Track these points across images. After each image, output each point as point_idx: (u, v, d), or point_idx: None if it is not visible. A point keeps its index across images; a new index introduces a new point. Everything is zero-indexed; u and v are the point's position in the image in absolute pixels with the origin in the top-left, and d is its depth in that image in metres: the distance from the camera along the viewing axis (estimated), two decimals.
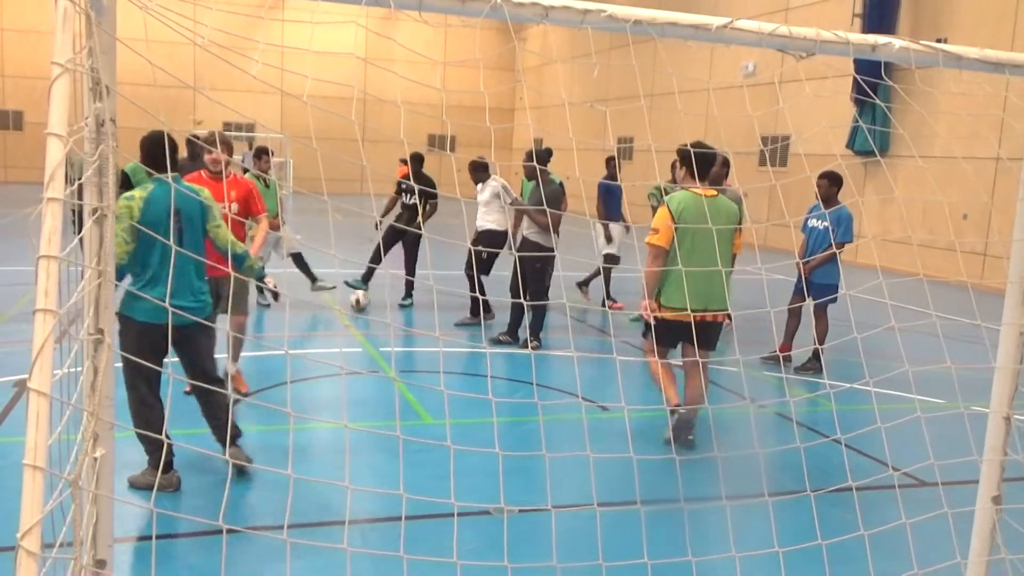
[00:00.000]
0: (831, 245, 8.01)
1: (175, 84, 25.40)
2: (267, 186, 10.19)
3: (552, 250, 8.60)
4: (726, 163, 9.01)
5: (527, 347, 8.67)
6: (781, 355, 8.10)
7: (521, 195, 10.33)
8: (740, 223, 8.10)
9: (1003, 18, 15.39)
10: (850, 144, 17.87)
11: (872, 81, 13.43)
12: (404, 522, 4.02)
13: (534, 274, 8.65)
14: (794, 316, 8.35)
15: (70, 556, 2.17)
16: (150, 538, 4.16)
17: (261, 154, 10.34)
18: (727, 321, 7.32)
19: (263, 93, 29.86)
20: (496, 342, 8.99)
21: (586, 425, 5.25)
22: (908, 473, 5.45)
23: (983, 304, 3.93)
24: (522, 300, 8.44)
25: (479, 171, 9.89)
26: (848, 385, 7.79)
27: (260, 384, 7.06)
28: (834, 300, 8.11)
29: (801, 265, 8.18)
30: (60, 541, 2.03)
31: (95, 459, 2.73)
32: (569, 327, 9.38)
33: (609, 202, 10.91)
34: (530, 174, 9.45)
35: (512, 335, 8.99)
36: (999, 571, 3.68)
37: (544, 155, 9.17)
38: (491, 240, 9.55)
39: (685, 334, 5.55)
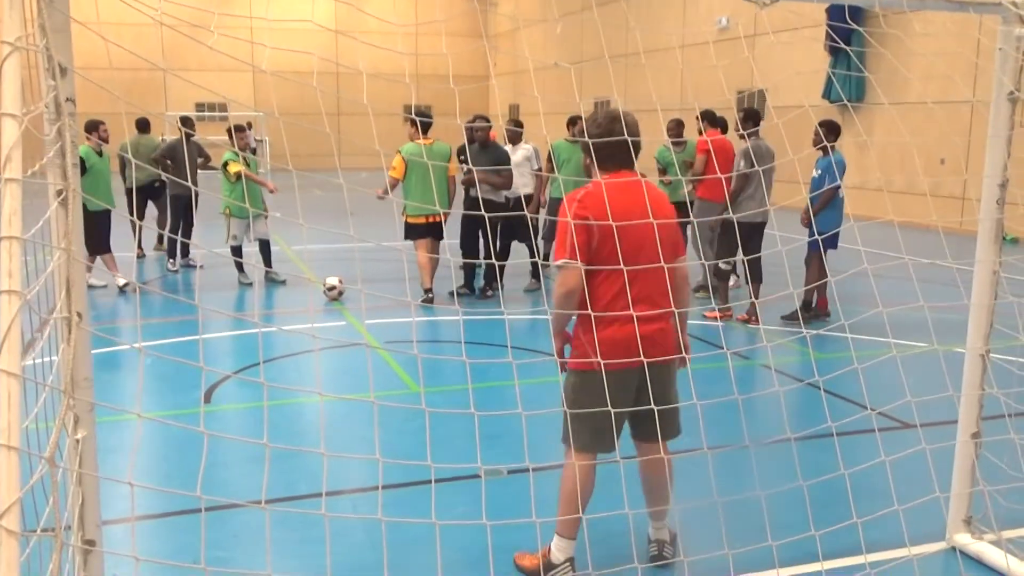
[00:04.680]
0: (818, 193, 8.06)
1: (145, 67, 25.03)
2: (247, 165, 10.12)
3: (505, 207, 9.28)
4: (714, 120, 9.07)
5: (484, 295, 9.59)
6: (819, 311, 8.34)
7: (550, 159, 10.15)
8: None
9: None
10: (825, 94, 17.85)
11: (845, 28, 13.38)
12: (381, 488, 4.06)
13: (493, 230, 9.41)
14: (816, 269, 8.32)
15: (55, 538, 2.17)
16: (141, 518, 4.18)
17: (238, 131, 10.25)
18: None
19: (235, 71, 29.51)
20: (451, 295, 9.56)
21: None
22: (887, 414, 5.52)
23: (965, 247, 3.95)
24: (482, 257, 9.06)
25: (514, 134, 10.00)
26: (822, 332, 7.87)
27: (245, 361, 7.06)
28: (834, 247, 8.18)
29: (805, 216, 8.20)
30: (42, 529, 2.04)
31: (77, 441, 2.74)
32: (544, 290, 9.38)
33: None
34: (480, 140, 9.48)
35: (469, 287, 9.79)
36: (978, 503, 3.75)
37: (424, 122, 9.30)
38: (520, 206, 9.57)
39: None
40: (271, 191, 10.24)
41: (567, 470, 3.64)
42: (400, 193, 9.40)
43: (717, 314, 8.47)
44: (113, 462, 4.63)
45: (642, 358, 3.20)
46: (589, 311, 3.42)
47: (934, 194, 15.71)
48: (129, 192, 11.80)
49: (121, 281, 9.77)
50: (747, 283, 8.87)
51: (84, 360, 2.73)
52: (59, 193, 2.60)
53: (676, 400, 3.64)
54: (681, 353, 3.63)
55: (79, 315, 2.66)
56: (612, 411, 3.09)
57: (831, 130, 8.27)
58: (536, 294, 9.72)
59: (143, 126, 12.41)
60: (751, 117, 8.63)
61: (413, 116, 9.25)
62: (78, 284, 2.67)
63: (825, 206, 8.13)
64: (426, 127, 9.33)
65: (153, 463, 4.99)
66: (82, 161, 8.68)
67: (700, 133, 9.40)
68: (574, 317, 3.55)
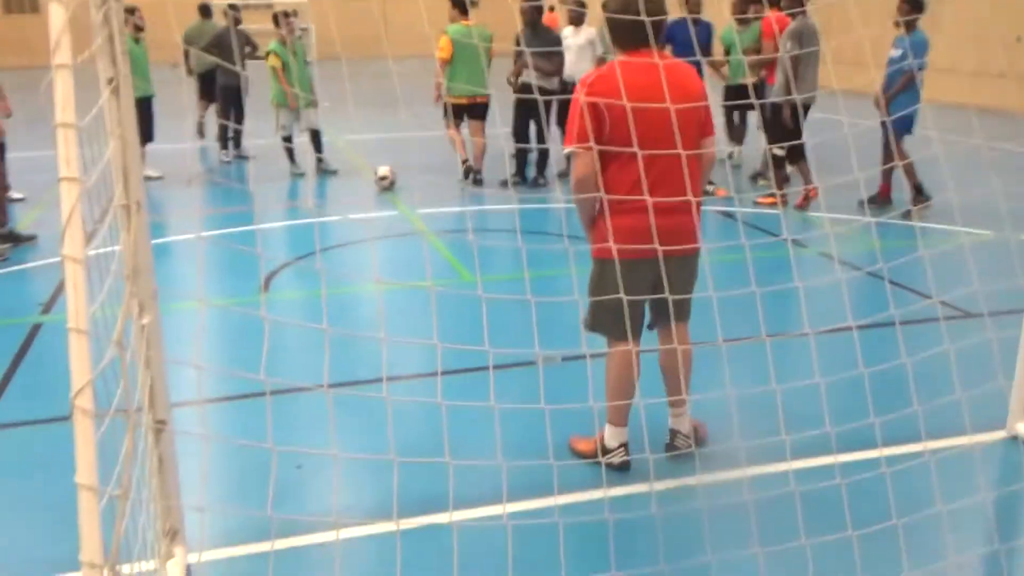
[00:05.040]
0: (902, 74, 7.67)
1: None
2: (294, 54, 9.98)
3: (555, 93, 8.99)
4: None
5: (535, 184, 9.39)
6: (882, 197, 8.10)
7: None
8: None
9: None
10: None
11: None
12: (440, 373, 4.11)
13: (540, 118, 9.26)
14: (887, 155, 8.03)
15: (127, 418, 2.24)
16: (208, 401, 4.33)
17: (284, 17, 10.07)
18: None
19: None
20: (504, 184, 9.33)
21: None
22: (951, 304, 5.40)
23: None
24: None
25: (576, 15, 9.58)
26: (884, 219, 7.66)
27: (300, 250, 7.14)
28: (909, 131, 7.87)
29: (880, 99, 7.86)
30: (114, 409, 2.10)
31: (142, 326, 2.80)
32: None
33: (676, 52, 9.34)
34: (527, 20, 9.12)
35: (520, 175, 9.58)
36: None
37: (461, 1, 9.20)
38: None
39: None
40: (291, 107, 10.05)
41: (608, 359, 3.66)
42: (445, 75, 9.27)
43: (773, 199, 8.28)
44: (180, 348, 4.77)
45: (658, 248, 3.07)
46: (605, 197, 3.33)
47: (1010, 74, 14.93)
48: (200, 77, 11.70)
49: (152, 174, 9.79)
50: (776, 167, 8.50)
51: (144, 247, 2.77)
52: (110, 81, 2.58)
53: (692, 290, 3.59)
54: (698, 243, 3.50)
55: (137, 203, 2.68)
56: (625, 299, 3.04)
57: (915, 6, 7.76)
58: None
59: (205, 11, 12.18)
60: None
61: None
62: (134, 172, 2.67)
63: (905, 88, 7.75)
64: (465, 8, 9.18)
65: (218, 349, 5.13)
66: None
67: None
68: None
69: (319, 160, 10.34)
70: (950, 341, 3.10)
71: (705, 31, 9.08)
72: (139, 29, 9.55)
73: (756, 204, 8.47)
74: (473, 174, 9.43)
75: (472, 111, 9.30)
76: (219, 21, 11.47)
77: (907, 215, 7.70)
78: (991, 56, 14.83)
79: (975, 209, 6.51)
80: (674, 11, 8.65)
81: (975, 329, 3.66)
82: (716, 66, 9.70)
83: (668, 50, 8.32)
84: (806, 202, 8.25)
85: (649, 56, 3.36)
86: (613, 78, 3.29)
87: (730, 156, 10.39)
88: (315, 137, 10.21)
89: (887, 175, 8.17)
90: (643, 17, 3.15)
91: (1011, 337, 3.79)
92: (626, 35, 3.37)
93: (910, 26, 7.78)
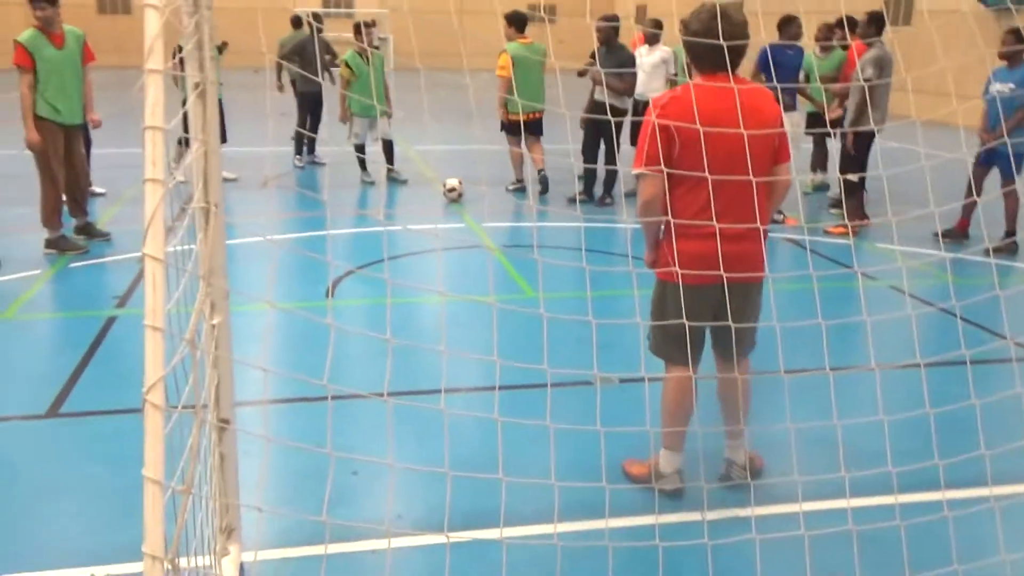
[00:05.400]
0: (1019, 108, 7.41)
1: None
2: (370, 64, 10.17)
3: (626, 112, 9.12)
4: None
5: (602, 203, 9.43)
6: (959, 232, 7.88)
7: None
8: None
9: None
10: None
11: None
12: (498, 388, 4.13)
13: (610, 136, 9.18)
14: (975, 190, 7.79)
15: (194, 414, 2.31)
16: (271, 403, 4.42)
17: (361, 28, 10.29)
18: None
19: None
20: (572, 201, 9.52)
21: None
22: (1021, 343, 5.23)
23: None
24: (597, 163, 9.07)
25: (651, 35, 9.62)
26: (951, 255, 7.45)
27: (366, 258, 7.25)
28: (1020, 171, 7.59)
29: (985, 134, 7.65)
30: (183, 403, 2.17)
31: (213, 326, 2.88)
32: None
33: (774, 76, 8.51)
34: (603, 39, 9.18)
35: (588, 193, 9.74)
36: None
37: (519, 20, 9.43)
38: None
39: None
40: (340, 119, 10.25)
41: (665, 383, 3.64)
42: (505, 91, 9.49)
43: (844, 229, 8.12)
44: (246, 349, 4.88)
45: (722, 274, 3.04)
46: (671, 221, 3.31)
47: None
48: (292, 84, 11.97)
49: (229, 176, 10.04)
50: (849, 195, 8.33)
51: (220, 249, 2.85)
52: (197, 86, 2.67)
53: (756, 319, 3.51)
54: (764, 271, 3.45)
55: (215, 205, 2.77)
56: (687, 324, 3.02)
57: (1020, 38, 7.48)
58: None
59: (296, 23, 12.57)
60: (875, 21, 8.06)
61: (512, 13, 9.45)
62: (214, 175, 2.76)
63: (1020, 124, 7.45)
64: (523, 25, 9.38)
65: (282, 352, 5.24)
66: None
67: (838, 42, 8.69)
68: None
69: (389, 170, 10.51)
70: (1023, 383, 3.01)
71: (799, 57, 8.96)
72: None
73: (826, 233, 8.32)
74: (540, 180, 9.76)
75: (530, 127, 9.56)
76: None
77: (987, 252, 7.50)
78: None
79: None
80: (773, 36, 8.65)
81: None
82: (805, 93, 9.58)
83: (762, 76, 8.29)
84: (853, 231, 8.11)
85: (726, 80, 3.33)
86: (686, 100, 3.28)
87: (812, 182, 10.27)
88: (387, 147, 10.38)
89: (968, 209, 7.94)
90: (723, 41, 3.15)
91: None
92: (705, 58, 3.35)
93: (1015, 58, 7.54)
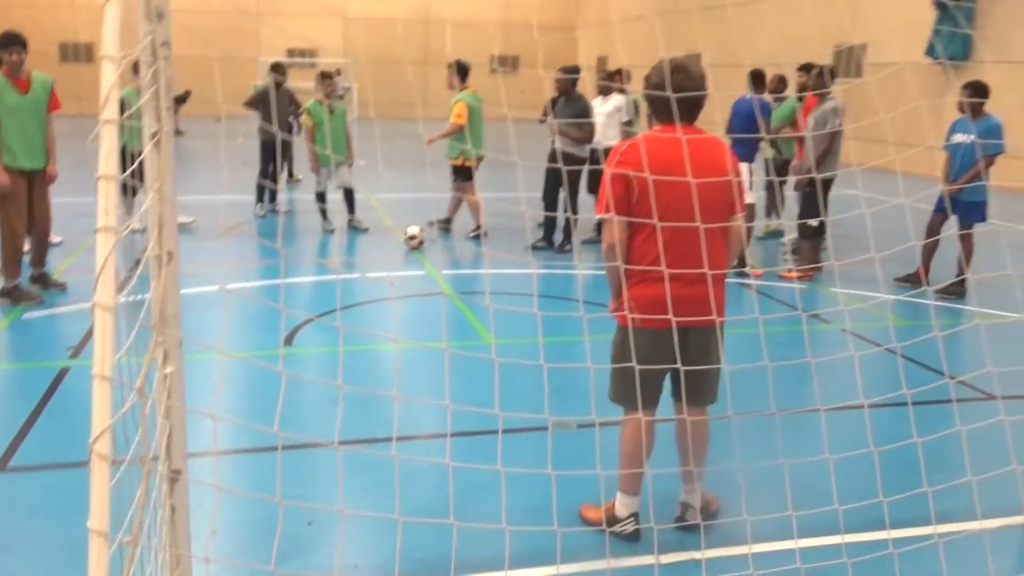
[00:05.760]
0: (981, 158, 7.61)
1: (237, 11, 25.49)
2: (331, 112, 10.27)
3: (584, 160, 9.24)
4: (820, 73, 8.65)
5: (561, 250, 9.54)
6: (919, 277, 8.00)
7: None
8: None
9: None
10: (929, 51, 17.07)
11: None
12: (450, 435, 4.14)
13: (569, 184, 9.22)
14: (933, 236, 7.99)
15: (142, 465, 2.30)
16: (224, 452, 4.38)
17: (324, 78, 10.40)
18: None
19: (324, 18, 29.78)
20: (534, 248, 9.68)
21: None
22: (969, 384, 5.35)
23: None
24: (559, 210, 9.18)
25: (604, 86, 9.99)
26: (902, 297, 7.63)
27: (326, 306, 7.24)
28: (983, 219, 7.76)
29: (949, 183, 7.84)
30: (131, 457, 2.16)
31: (165, 376, 2.87)
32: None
33: (737, 128, 8.89)
34: (562, 90, 9.40)
35: (547, 241, 9.80)
36: None
37: (464, 69, 9.78)
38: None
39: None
40: (312, 169, 10.35)
41: (623, 427, 3.67)
42: (450, 139, 9.85)
43: (798, 274, 8.30)
44: (199, 398, 4.84)
45: (672, 319, 3.12)
46: (628, 267, 3.39)
47: None
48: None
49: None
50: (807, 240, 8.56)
51: (173, 298, 2.85)
52: (153, 135, 2.70)
53: (715, 364, 3.54)
54: (723, 317, 3.51)
55: (169, 254, 2.78)
56: (641, 368, 3.07)
57: (978, 91, 7.74)
58: None
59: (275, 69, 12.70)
60: (828, 74, 8.40)
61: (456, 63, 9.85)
62: (169, 224, 2.78)
63: (980, 174, 7.67)
64: (467, 74, 9.68)
65: (236, 401, 5.20)
66: (122, 103, 8.85)
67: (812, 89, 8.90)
68: None
69: (350, 219, 10.56)
70: (968, 422, 3.09)
71: (765, 109, 9.24)
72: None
73: (780, 278, 8.49)
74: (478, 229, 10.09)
75: (470, 172, 9.98)
76: (262, 80, 11.83)
77: (936, 294, 7.69)
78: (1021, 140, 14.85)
79: (1002, 291, 6.49)
80: (742, 89, 8.93)
81: (993, 411, 3.64)
82: (774, 143, 9.83)
83: (726, 125, 8.59)
84: (808, 276, 8.32)
85: (684, 130, 3.43)
86: (643, 148, 3.38)
87: (765, 228, 10.50)
88: (348, 195, 10.43)
89: (927, 256, 8.12)
90: (681, 94, 3.28)
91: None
92: (664, 109, 3.45)
93: (977, 110, 7.80)
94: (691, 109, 3.43)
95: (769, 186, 10.19)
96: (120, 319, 1.94)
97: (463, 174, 9.99)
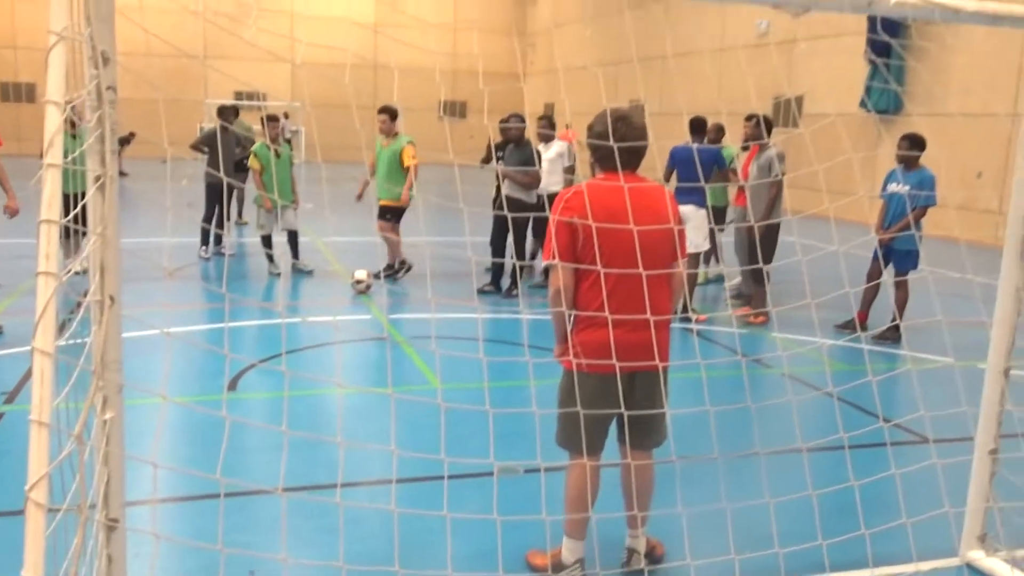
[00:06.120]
0: (914, 209, 7.83)
1: (183, 55, 25.37)
2: (278, 156, 10.27)
3: (534, 207, 9.32)
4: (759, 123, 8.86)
5: (509, 295, 9.55)
6: (859, 323, 8.17)
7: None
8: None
9: None
10: (863, 103, 17.71)
11: (883, 40, 13.33)
12: (395, 480, 4.12)
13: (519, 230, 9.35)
14: (872, 284, 8.16)
15: (79, 513, 2.25)
16: (163, 500, 4.29)
17: (270, 121, 10.42)
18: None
19: (274, 62, 29.78)
20: (481, 292, 9.70)
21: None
22: (905, 427, 5.50)
23: (999, 262, 3.89)
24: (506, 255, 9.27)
25: (546, 129, 10.14)
26: (840, 342, 7.82)
27: (272, 350, 7.16)
28: (916, 267, 8.00)
29: (886, 230, 8.07)
30: (68, 505, 2.11)
31: (104, 421, 2.82)
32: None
33: (681, 176, 8.94)
34: (509, 137, 9.62)
35: (495, 285, 9.78)
36: (990, 521, 3.74)
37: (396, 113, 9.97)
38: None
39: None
40: (267, 208, 10.28)
41: (568, 472, 3.68)
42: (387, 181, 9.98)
43: (761, 318, 8.47)
44: (139, 444, 4.74)
45: (615, 364, 3.18)
46: (576, 313, 3.45)
47: (970, 208, 15.51)
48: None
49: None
50: (759, 285, 8.79)
51: (115, 342, 2.81)
52: (97, 179, 2.68)
53: (661, 408, 3.58)
54: (668, 362, 3.57)
55: (111, 298, 2.75)
56: (587, 413, 3.12)
57: (915, 143, 8.00)
58: None
59: (235, 113, 12.76)
60: (765, 124, 8.68)
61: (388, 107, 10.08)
62: (112, 268, 2.75)
63: (914, 223, 7.89)
64: (396, 117, 10.05)
65: (178, 447, 5.09)
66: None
67: (753, 139, 9.10)
68: None
69: (294, 261, 10.51)
70: (904, 465, 3.18)
71: (712, 155, 9.40)
72: (74, 125, 9.56)
73: (744, 320, 8.63)
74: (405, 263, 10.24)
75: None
76: (208, 122, 11.82)
77: (872, 339, 7.90)
78: (952, 191, 15.44)
79: (937, 336, 6.68)
80: (682, 137, 9.13)
81: (928, 454, 3.75)
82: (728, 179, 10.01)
83: (674, 174, 8.76)
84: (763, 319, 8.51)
85: (627, 178, 3.51)
86: (589, 195, 3.45)
87: (705, 274, 10.70)
88: (292, 237, 10.40)
89: (866, 302, 8.33)
90: (624, 143, 3.38)
91: (960, 464, 3.88)
92: (607, 157, 3.53)
93: (912, 162, 8.07)
94: (633, 158, 3.52)
95: (711, 233, 10.39)
96: (60, 363, 1.92)
97: (399, 214, 10.06)
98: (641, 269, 3.29)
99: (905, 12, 3.60)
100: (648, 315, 3.35)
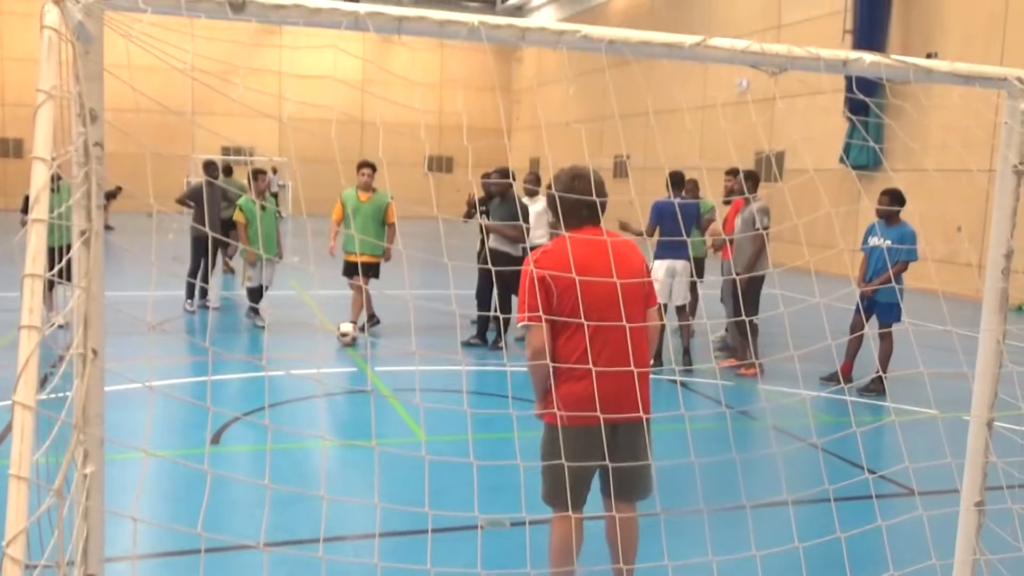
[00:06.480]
0: (896, 263, 7.94)
1: (171, 111, 25.58)
2: (263, 209, 10.32)
3: (520, 259, 9.14)
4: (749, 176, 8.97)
5: (495, 347, 9.57)
6: (843, 375, 8.19)
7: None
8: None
9: (991, 33, 15.54)
10: (842, 159, 18.00)
11: (861, 99, 13.61)
12: (378, 535, 4.08)
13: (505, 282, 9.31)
14: (856, 336, 8.24)
15: (58, 568, 2.22)
16: (144, 556, 4.21)
17: (257, 175, 10.52)
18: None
19: (261, 118, 30.05)
20: (467, 344, 9.70)
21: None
22: (892, 479, 5.49)
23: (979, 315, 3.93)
24: (491, 310, 9.26)
25: (532, 184, 10.23)
26: (824, 394, 7.84)
27: (257, 403, 7.11)
28: (899, 319, 8.04)
29: (864, 284, 8.14)
30: (47, 561, 2.08)
31: (85, 475, 2.79)
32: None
33: (666, 230, 8.81)
34: (495, 191, 9.72)
35: (481, 338, 9.82)
36: (977, 573, 3.72)
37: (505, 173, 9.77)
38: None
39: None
40: (251, 262, 10.32)
41: (552, 527, 3.65)
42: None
43: (753, 371, 8.49)
44: (121, 499, 4.67)
45: (599, 415, 3.18)
46: (556, 366, 3.45)
47: (950, 261, 15.70)
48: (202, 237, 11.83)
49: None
50: (745, 337, 8.82)
51: (97, 396, 2.80)
52: (82, 233, 2.70)
53: (645, 459, 3.58)
54: (649, 412, 3.58)
55: (94, 352, 2.74)
56: (572, 466, 3.12)
57: (895, 199, 8.12)
58: None
59: (227, 171, 12.97)
60: (751, 178, 8.79)
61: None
62: (95, 321, 2.74)
63: (896, 277, 8.01)
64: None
65: (160, 502, 5.03)
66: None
67: (739, 193, 9.18)
68: None
69: (255, 312, 10.48)
70: (890, 516, 3.17)
71: (693, 208, 9.51)
72: (55, 179, 9.67)
73: (738, 375, 8.64)
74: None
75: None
76: (195, 176, 11.94)
77: (857, 392, 7.92)
78: (932, 245, 15.65)
79: (922, 389, 6.72)
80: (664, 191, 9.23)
81: (915, 506, 3.74)
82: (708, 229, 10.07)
83: (658, 228, 8.79)
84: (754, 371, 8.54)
85: (592, 232, 3.57)
86: (557, 252, 3.51)
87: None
88: (260, 291, 10.36)
89: (850, 354, 8.38)
90: (586, 197, 3.45)
91: (946, 516, 3.87)
92: (569, 213, 3.60)
93: (893, 217, 8.18)
94: (594, 213, 3.58)
95: (692, 286, 10.46)
96: (41, 417, 1.91)
97: (376, 270, 10.06)
98: (623, 320, 3.32)
99: (880, 72, 3.70)
100: (630, 366, 3.36)
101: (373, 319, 10.39)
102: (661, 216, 8.78)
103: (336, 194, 10.09)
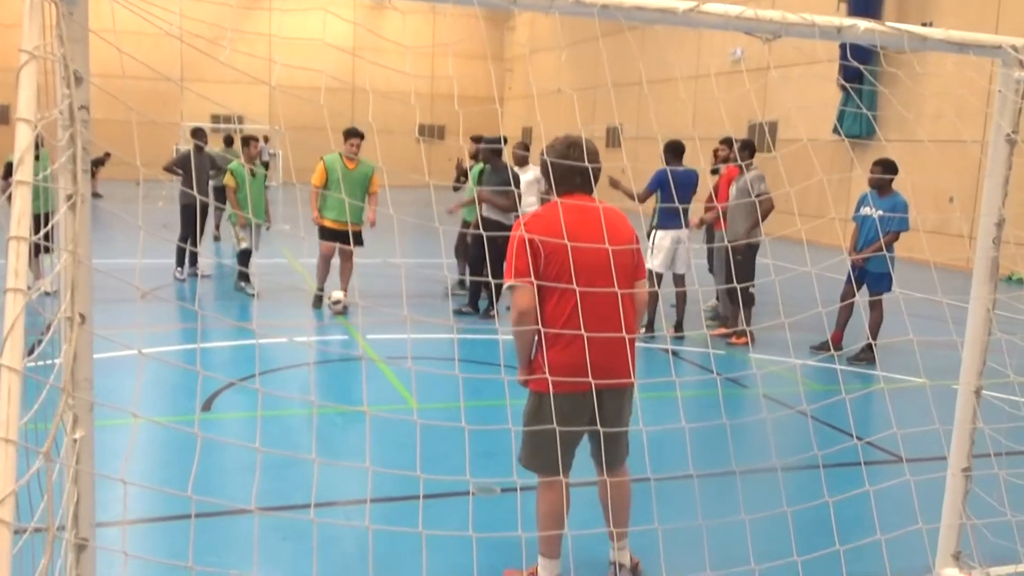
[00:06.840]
0: (887, 233, 7.96)
1: (161, 76, 25.34)
2: (253, 175, 10.26)
3: (509, 228, 9.08)
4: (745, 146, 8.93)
5: (487, 316, 9.50)
6: (833, 344, 8.17)
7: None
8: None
9: (986, 1, 15.45)
10: (836, 129, 17.95)
11: (858, 66, 13.55)
12: (369, 499, 4.10)
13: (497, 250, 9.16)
14: (846, 305, 8.25)
15: (47, 532, 2.22)
16: (135, 522, 4.23)
17: (248, 141, 10.46)
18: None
19: (251, 85, 29.79)
20: (459, 313, 9.67)
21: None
22: (879, 446, 5.54)
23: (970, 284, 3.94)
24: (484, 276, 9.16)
25: (519, 156, 10.11)
26: (813, 362, 7.88)
27: (248, 370, 7.11)
28: (890, 289, 8.06)
29: (854, 254, 8.15)
30: (36, 524, 2.08)
31: (75, 440, 2.79)
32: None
33: (667, 199, 8.67)
34: (486, 159, 9.59)
35: (473, 306, 9.75)
36: (964, 538, 3.77)
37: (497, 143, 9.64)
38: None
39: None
40: (241, 225, 10.26)
41: (539, 490, 3.66)
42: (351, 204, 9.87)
43: (743, 339, 8.50)
44: (111, 465, 4.68)
45: (591, 381, 3.18)
46: (542, 331, 3.44)
47: (942, 232, 15.73)
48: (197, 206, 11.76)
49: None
50: (736, 306, 8.82)
51: (85, 360, 2.79)
52: (69, 197, 2.67)
53: (627, 425, 3.61)
54: (633, 378, 3.58)
55: (82, 316, 2.72)
56: (560, 432, 3.13)
57: (888, 168, 8.10)
58: None
59: (228, 141, 12.89)
60: (747, 147, 8.74)
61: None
62: (82, 286, 2.73)
63: (888, 246, 8.03)
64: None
65: (150, 467, 5.04)
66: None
67: (733, 161, 9.12)
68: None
69: (245, 278, 10.42)
70: (878, 483, 3.20)
71: (691, 176, 9.40)
72: (38, 145, 9.58)
73: (729, 344, 8.66)
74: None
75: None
76: (184, 144, 11.89)
77: (847, 361, 7.96)
78: (924, 215, 15.67)
79: (908, 357, 6.76)
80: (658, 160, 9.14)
81: (903, 472, 3.77)
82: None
83: (657, 195, 8.73)
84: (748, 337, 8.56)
85: (583, 199, 3.57)
86: (547, 217, 3.50)
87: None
88: (250, 254, 10.31)
89: (841, 323, 8.41)
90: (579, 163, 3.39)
91: (933, 482, 3.91)
92: (561, 181, 3.60)
93: (885, 187, 8.16)
94: (587, 181, 3.59)
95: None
96: (30, 381, 1.90)
97: (359, 238, 9.89)
98: (616, 288, 3.32)
99: (875, 39, 3.67)
100: (621, 332, 3.37)
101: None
102: (661, 185, 8.72)
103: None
